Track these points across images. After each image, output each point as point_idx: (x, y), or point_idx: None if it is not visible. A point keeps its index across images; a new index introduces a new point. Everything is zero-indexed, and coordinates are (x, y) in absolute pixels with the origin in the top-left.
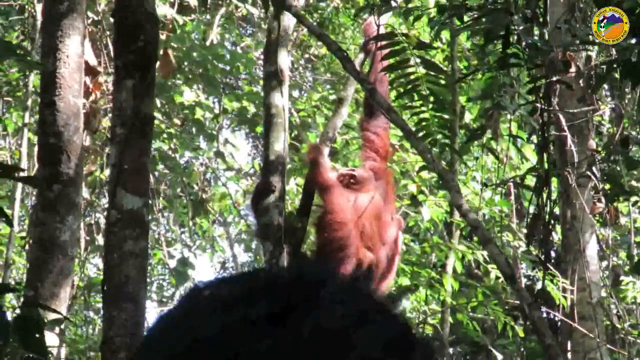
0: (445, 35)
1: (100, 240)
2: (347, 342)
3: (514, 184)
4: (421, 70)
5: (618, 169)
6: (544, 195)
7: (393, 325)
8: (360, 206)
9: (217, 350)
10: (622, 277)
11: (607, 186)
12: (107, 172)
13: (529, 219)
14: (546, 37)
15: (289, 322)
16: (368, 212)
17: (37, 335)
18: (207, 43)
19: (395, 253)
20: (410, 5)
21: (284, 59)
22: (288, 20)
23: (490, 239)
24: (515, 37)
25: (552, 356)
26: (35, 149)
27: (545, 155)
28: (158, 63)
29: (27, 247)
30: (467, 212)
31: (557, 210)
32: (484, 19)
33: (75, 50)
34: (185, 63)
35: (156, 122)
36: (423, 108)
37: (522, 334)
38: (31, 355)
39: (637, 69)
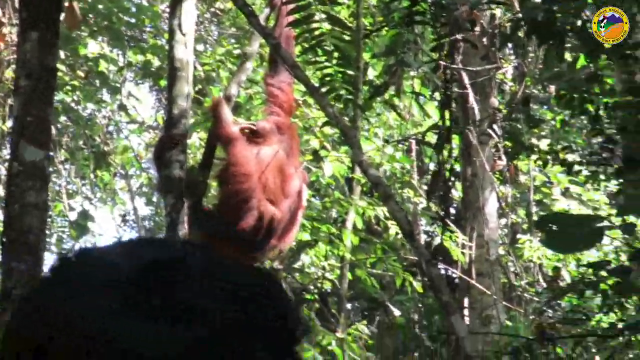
0: None
1: (0, 191)
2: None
3: (416, 140)
4: (326, 26)
5: (519, 127)
6: (445, 152)
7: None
8: (263, 159)
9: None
10: (520, 235)
11: (508, 144)
12: (9, 123)
13: (429, 176)
14: None
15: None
16: (271, 165)
17: None
18: None
19: (298, 207)
20: None
21: (189, 13)
22: None
23: (390, 195)
24: None
25: (449, 312)
26: None
27: (447, 113)
28: (63, 15)
29: None
30: (367, 168)
31: (458, 168)
32: None
33: None
34: (91, 15)
35: (60, 74)
36: (327, 64)
37: (420, 290)
38: None
39: (543, 27)
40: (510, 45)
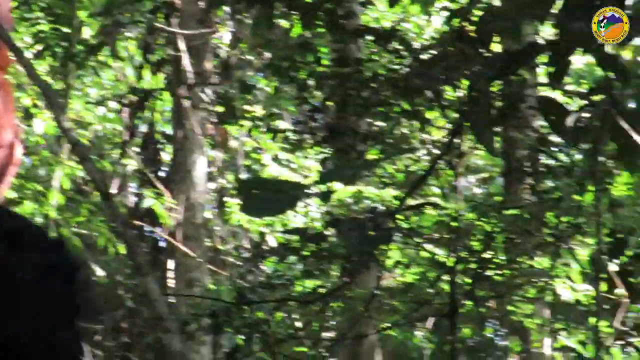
0: None
1: None
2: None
3: (117, 101)
4: None
5: (232, 92)
6: (155, 115)
7: (50, 249)
8: None
9: None
10: (228, 199)
11: (220, 109)
12: None
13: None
14: None
15: None
16: None
17: None
18: None
19: (9, 161)
20: None
21: None
22: None
23: (86, 157)
24: None
25: (142, 274)
26: None
27: (156, 74)
28: None
29: None
30: (68, 130)
31: (169, 130)
32: None
33: None
34: None
35: None
36: (42, 21)
37: (123, 252)
38: None
39: None
40: (229, 10)
